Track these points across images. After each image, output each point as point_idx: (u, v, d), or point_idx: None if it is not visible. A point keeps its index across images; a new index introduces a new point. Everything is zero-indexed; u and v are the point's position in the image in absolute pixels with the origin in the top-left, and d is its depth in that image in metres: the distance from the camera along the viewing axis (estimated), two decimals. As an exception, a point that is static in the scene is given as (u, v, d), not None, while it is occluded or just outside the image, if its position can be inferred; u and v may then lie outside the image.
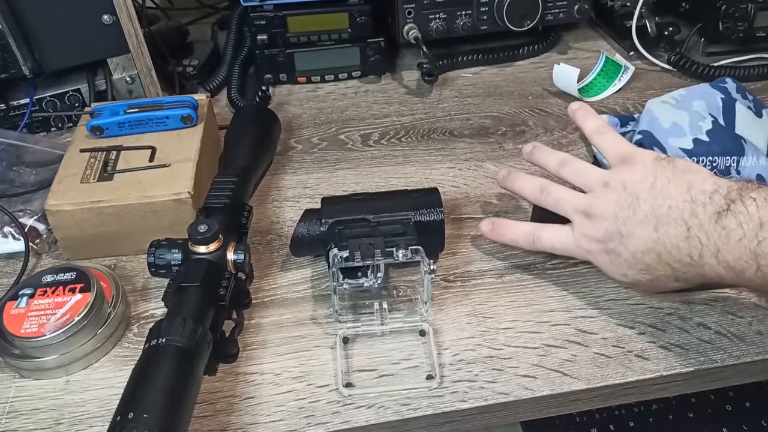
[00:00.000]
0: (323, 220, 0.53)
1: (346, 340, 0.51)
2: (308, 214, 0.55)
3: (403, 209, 0.54)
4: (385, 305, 0.52)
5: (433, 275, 0.50)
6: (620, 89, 0.81)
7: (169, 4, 1.01)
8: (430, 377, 0.48)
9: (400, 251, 0.49)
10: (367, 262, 0.49)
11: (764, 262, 0.42)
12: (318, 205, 0.55)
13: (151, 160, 0.60)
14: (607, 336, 0.51)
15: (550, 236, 0.54)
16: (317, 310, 0.54)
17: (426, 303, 0.51)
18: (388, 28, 0.84)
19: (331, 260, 0.50)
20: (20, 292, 0.50)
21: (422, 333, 0.52)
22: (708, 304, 0.53)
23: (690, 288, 0.52)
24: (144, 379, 0.40)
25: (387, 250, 0.49)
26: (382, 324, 0.52)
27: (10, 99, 0.72)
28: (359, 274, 0.50)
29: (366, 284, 0.50)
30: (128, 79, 0.75)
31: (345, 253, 0.49)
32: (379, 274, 0.50)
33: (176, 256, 0.50)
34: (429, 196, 0.55)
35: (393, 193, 0.59)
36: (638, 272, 0.49)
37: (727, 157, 0.61)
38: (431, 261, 0.49)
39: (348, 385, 0.48)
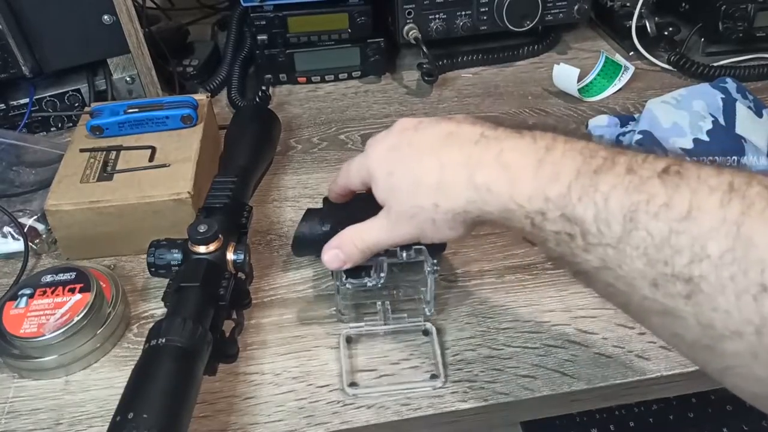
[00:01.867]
0: (325, 220, 0.53)
1: (349, 340, 0.51)
2: (310, 214, 0.55)
3: None
4: (388, 305, 0.52)
5: (436, 275, 0.50)
6: (620, 89, 0.81)
7: (169, 4, 1.01)
8: (434, 376, 0.48)
9: (404, 251, 0.49)
10: (370, 262, 0.49)
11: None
12: (319, 205, 0.55)
13: (151, 160, 0.60)
14: (608, 336, 0.51)
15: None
16: (317, 310, 0.54)
17: (429, 302, 0.51)
18: (388, 29, 0.84)
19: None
20: (20, 292, 0.50)
21: (426, 332, 0.52)
22: (708, 304, 0.53)
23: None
24: (144, 380, 0.40)
25: (390, 249, 0.49)
26: (386, 324, 0.52)
27: (10, 99, 0.72)
28: (363, 273, 0.50)
29: (369, 284, 0.50)
30: (128, 79, 0.75)
31: None
32: (382, 274, 0.50)
33: (176, 256, 0.50)
34: None
35: None
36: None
37: (728, 157, 0.61)
38: (434, 261, 0.49)
39: (352, 384, 0.48)
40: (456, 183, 0.40)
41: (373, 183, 0.46)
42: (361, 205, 0.54)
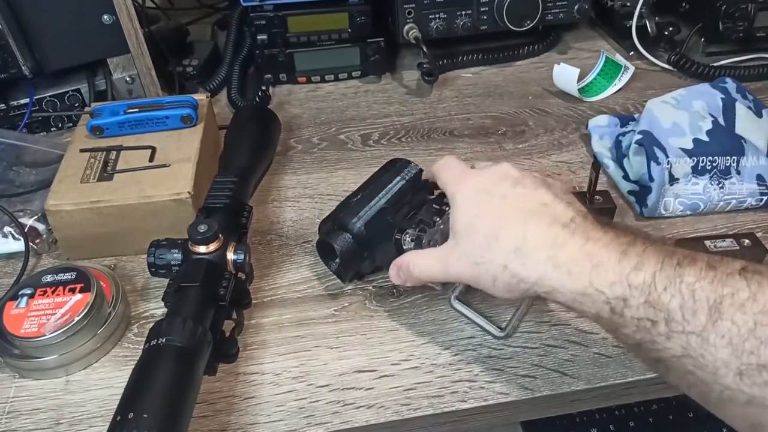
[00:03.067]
0: (352, 230, 0.52)
1: (460, 299, 0.54)
2: (334, 237, 0.52)
3: (393, 179, 0.54)
4: None
5: None
6: (620, 89, 0.81)
7: (169, 4, 1.01)
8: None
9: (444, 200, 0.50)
10: (437, 226, 0.51)
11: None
12: (318, 203, 0.55)
13: (151, 160, 0.60)
14: (607, 336, 0.51)
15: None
16: (317, 310, 0.54)
17: None
18: (388, 28, 0.84)
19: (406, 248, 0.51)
20: (20, 292, 0.50)
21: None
22: (708, 304, 0.53)
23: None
24: (144, 379, 0.40)
25: (434, 208, 0.51)
26: None
27: (10, 99, 0.72)
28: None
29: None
30: (128, 79, 0.75)
31: (414, 234, 0.51)
32: (436, 237, 0.51)
33: (176, 256, 0.50)
34: (396, 164, 0.56)
35: (375, 175, 0.57)
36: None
37: (727, 157, 0.61)
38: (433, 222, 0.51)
39: (502, 328, 0.51)
40: (535, 256, 0.41)
41: (453, 209, 0.46)
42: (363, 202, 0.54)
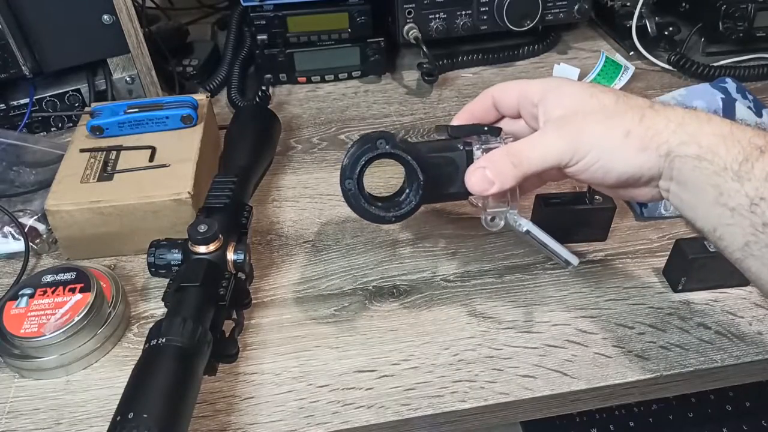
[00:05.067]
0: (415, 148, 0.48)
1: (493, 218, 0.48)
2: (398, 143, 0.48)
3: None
4: None
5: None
6: (620, 89, 0.81)
7: (169, 4, 1.01)
8: (567, 262, 0.47)
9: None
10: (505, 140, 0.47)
11: None
12: (319, 204, 0.55)
13: (151, 160, 0.60)
14: (607, 336, 0.51)
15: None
16: (317, 310, 0.54)
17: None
18: (388, 28, 0.84)
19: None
20: (20, 292, 0.50)
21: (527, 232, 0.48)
22: (708, 304, 0.53)
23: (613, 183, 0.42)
24: (144, 379, 0.40)
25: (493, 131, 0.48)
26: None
27: (10, 99, 0.72)
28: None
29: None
30: (128, 79, 0.75)
31: (484, 141, 0.47)
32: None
33: (176, 256, 0.50)
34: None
35: None
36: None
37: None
38: (498, 138, 0.48)
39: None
40: (673, 108, 0.40)
41: (559, 91, 0.43)
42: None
